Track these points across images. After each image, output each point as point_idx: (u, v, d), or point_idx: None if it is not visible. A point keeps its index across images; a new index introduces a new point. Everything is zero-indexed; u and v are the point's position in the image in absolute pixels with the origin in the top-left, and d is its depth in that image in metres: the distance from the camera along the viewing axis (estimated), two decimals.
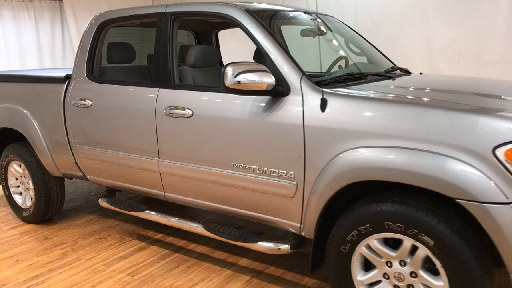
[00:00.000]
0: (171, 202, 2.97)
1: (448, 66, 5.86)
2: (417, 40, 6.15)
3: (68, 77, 3.39)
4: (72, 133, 3.32)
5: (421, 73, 3.19)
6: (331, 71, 2.84)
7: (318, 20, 3.15)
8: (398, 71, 3.06)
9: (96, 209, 4.28)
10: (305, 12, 3.15)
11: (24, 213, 3.92)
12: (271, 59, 2.33)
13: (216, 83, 3.27)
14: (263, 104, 2.32)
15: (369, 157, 1.93)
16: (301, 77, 2.26)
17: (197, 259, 3.13)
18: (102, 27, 3.25)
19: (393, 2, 6.01)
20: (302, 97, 2.21)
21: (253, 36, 2.42)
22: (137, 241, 3.50)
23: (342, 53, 3.19)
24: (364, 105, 2.03)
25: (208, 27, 4.35)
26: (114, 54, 3.40)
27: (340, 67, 3.03)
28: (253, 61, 3.81)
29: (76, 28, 7.61)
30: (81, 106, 3.20)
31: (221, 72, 2.20)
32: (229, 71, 2.18)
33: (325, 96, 2.13)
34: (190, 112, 2.59)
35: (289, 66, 2.29)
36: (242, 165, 2.41)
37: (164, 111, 2.71)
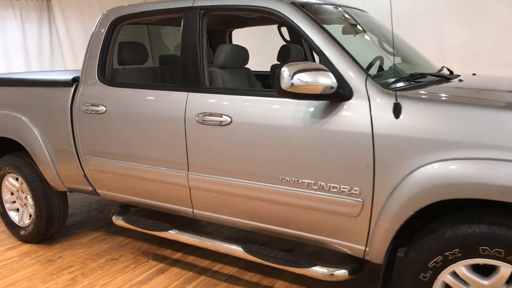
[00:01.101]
0: (184, 217, 2.66)
1: (462, 67, 5.70)
2: (429, 41, 5.97)
3: (75, 80, 3.03)
4: (81, 142, 2.95)
5: (474, 74, 2.95)
6: (376, 72, 2.57)
7: (356, 16, 2.87)
8: (446, 72, 2.81)
9: (100, 225, 3.91)
10: (341, 6, 2.87)
11: (22, 232, 3.52)
12: (327, 59, 2.04)
13: (245, 85, 2.96)
14: (320, 110, 2.02)
15: (466, 171, 1.65)
16: (366, 79, 1.97)
17: (228, 283, 2.80)
18: (115, 24, 2.90)
19: (403, 1, 5.82)
20: (369, 101, 1.92)
21: (304, 32, 2.13)
22: (154, 262, 3.14)
23: (380, 52, 2.93)
24: (451, 110, 1.75)
25: (222, 25, 4.03)
26: (126, 54, 3.05)
27: (381, 68, 2.77)
28: (277, 62, 3.52)
29: (65, 28, 7.18)
30: (93, 112, 2.84)
31: (277, 75, 1.90)
32: (286, 72, 1.88)
33: (399, 100, 1.85)
34: (228, 119, 2.27)
35: (351, 66, 2.01)
36: (294, 179, 2.11)
37: (196, 118, 2.39)
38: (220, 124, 2.30)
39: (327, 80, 1.90)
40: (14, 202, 3.61)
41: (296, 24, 2.15)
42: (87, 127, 2.89)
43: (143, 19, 2.94)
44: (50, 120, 3.10)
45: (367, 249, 2.01)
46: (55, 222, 3.45)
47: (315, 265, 2.16)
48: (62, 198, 3.45)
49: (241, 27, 4.10)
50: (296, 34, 3.71)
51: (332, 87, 1.92)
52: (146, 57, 3.24)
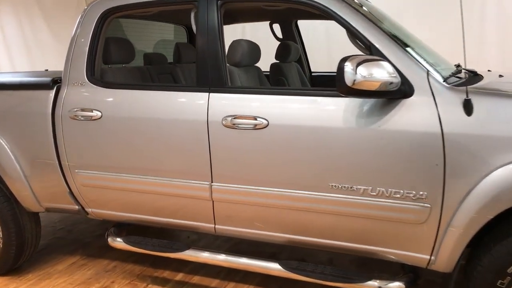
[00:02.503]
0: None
1: None
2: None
3: (56, 81, 2.58)
4: (68, 154, 2.52)
5: (489, 71, 2.95)
6: None
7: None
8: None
9: (74, 248, 3.42)
10: None
11: None
12: (383, 55, 1.87)
13: (256, 83, 2.71)
14: (376, 109, 1.85)
15: None
16: (427, 74, 1.83)
17: None
18: (106, 17, 2.52)
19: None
20: (434, 98, 1.78)
21: (352, 26, 1.94)
22: (155, 286, 2.78)
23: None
24: None
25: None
26: (113, 51, 2.67)
27: None
28: (276, 60, 3.31)
29: None
30: (84, 118, 2.43)
31: (339, 69, 1.69)
32: (349, 66, 1.68)
33: (469, 96, 1.73)
34: (264, 121, 2.02)
35: (410, 61, 1.86)
36: (346, 186, 1.91)
37: (223, 122, 2.11)
38: (255, 127, 2.04)
39: (393, 77, 1.73)
40: None
41: (341, 17, 1.96)
42: (76, 136, 2.47)
43: (138, 12, 2.59)
44: (23, 129, 2.62)
45: (432, 258, 1.87)
46: (26, 249, 2.94)
47: (369, 279, 1.98)
48: (34, 219, 2.95)
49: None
50: (290, 32, 3.53)
51: (396, 84, 1.75)
52: (133, 55, 2.88)
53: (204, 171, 2.19)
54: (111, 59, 2.66)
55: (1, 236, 2.84)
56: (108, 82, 2.48)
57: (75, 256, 3.26)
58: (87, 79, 2.48)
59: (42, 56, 6.88)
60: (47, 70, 5.06)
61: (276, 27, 3.55)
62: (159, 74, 3.23)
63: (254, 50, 2.61)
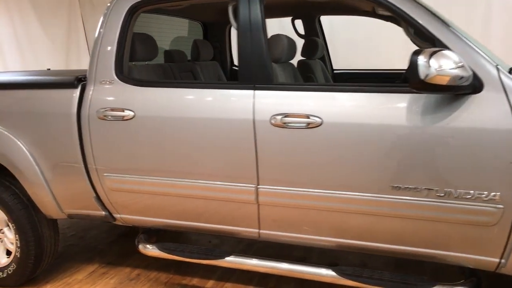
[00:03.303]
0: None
1: None
2: (396, 40, 6.04)
3: (80, 80, 2.42)
4: (96, 157, 2.36)
5: None
6: None
7: None
8: None
9: (90, 255, 3.25)
10: None
11: None
12: (450, 50, 1.77)
13: (292, 80, 2.59)
14: (441, 105, 1.76)
15: None
16: (497, 69, 1.74)
17: None
18: (134, 12, 2.37)
19: None
20: (506, 94, 1.70)
21: (414, 20, 1.84)
22: None
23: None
24: None
25: (222, 18, 3.59)
26: (139, 48, 2.52)
27: None
28: (302, 57, 3.20)
29: None
30: (115, 119, 2.28)
31: (412, 63, 1.59)
32: (422, 59, 1.58)
33: None
34: (318, 120, 1.91)
35: (478, 55, 1.77)
36: (410, 187, 1.82)
37: (272, 121, 1.99)
38: (307, 126, 1.93)
39: (465, 71, 1.64)
40: None
41: (402, 10, 1.86)
42: (105, 137, 2.31)
43: (169, 6, 2.44)
44: (43, 131, 2.45)
45: (502, 261, 1.78)
46: (45, 258, 2.76)
47: (434, 285, 1.89)
48: (53, 227, 2.78)
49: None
50: (313, 28, 3.43)
51: (467, 78, 1.66)
52: (157, 51, 2.73)
53: (249, 173, 2.07)
54: (136, 56, 2.52)
55: (18, 245, 2.66)
56: (140, 80, 2.33)
57: (93, 264, 3.10)
58: (116, 77, 2.33)
59: (34, 55, 6.69)
60: (49, 69, 4.86)
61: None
62: (180, 72, 3.09)
63: (292, 46, 2.49)
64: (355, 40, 5.66)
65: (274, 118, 1.98)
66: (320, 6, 3.04)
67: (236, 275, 2.81)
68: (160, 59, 3.24)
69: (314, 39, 3.17)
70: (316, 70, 3.07)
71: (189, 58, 3.34)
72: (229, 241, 3.37)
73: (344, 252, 3.00)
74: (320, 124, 1.91)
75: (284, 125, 1.96)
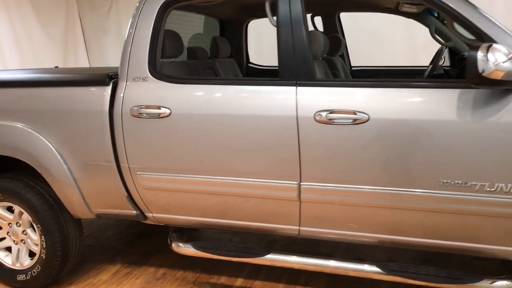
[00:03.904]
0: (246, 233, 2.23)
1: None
2: (400, 38, 6.10)
3: (112, 77, 2.38)
4: (129, 155, 2.32)
5: None
6: None
7: None
8: None
9: (110, 255, 3.20)
10: None
11: (21, 277, 2.71)
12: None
13: (324, 77, 2.57)
14: (493, 100, 1.77)
15: None
16: None
17: None
18: (166, 8, 2.33)
19: None
20: None
21: (460, 14, 1.85)
22: None
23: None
24: None
25: (241, 15, 3.58)
26: (169, 45, 2.49)
27: None
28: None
29: None
30: (150, 116, 2.24)
31: (470, 57, 1.60)
32: (481, 55, 1.59)
33: None
34: (365, 116, 1.91)
35: None
36: (459, 182, 1.83)
37: (316, 117, 1.98)
38: (354, 122, 1.92)
39: None
40: (2, 239, 2.77)
41: (447, 5, 1.86)
42: (139, 135, 2.28)
43: (200, 2, 2.41)
44: (72, 129, 2.40)
45: None
46: (70, 259, 2.71)
47: (481, 279, 1.90)
48: (78, 227, 2.73)
49: (258, 17, 3.65)
50: (332, 25, 3.43)
51: None
52: (183, 48, 2.70)
53: (291, 170, 2.06)
54: (166, 53, 2.48)
55: (44, 246, 2.60)
56: (177, 76, 2.30)
57: (115, 265, 3.05)
58: (150, 74, 2.29)
59: (33, 53, 6.60)
60: (57, 67, 4.78)
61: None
62: (205, 69, 3.06)
63: (327, 42, 2.49)
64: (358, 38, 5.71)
65: (319, 114, 1.97)
66: (345, 2, 3.04)
67: (264, 273, 2.80)
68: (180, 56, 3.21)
69: (337, 36, 3.17)
70: (338, 67, 3.07)
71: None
72: (249, 239, 3.35)
73: (370, 248, 3.02)
74: (367, 120, 1.91)
75: (329, 122, 1.96)
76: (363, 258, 2.92)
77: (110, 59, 7.63)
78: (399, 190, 1.91)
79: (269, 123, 2.06)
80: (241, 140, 2.11)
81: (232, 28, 3.64)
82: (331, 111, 1.96)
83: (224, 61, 3.44)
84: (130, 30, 2.35)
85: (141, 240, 3.43)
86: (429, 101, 1.85)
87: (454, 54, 3.21)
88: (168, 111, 2.21)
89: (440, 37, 3.12)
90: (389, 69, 3.52)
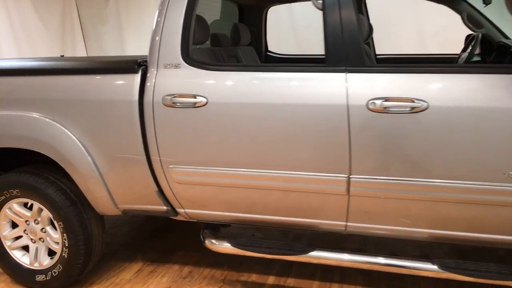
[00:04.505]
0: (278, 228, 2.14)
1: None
2: (409, 26, 5.99)
3: (140, 64, 2.22)
4: (161, 148, 2.17)
5: None
6: None
7: None
8: None
9: (130, 252, 3.05)
10: None
11: (40, 277, 2.55)
12: None
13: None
14: None
15: None
16: None
17: None
18: None
19: None
20: None
21: None
22: None
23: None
24: None
25: (261, 1, 3.43)
26: (199, 30, 2.34)
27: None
28: None
29: None
30: (185, 106, 2.09)
31: None
32: None
33: None
34: (424, 104, 1.79)
35: None
36: None
37: (370, 106, 1.85)
38: (412, 111, 1.80)
39: None
40: (19, 237, 2.61)
41: None
42: (173, 126, 2.13)
43: None
44: (97, 120, 2.24)
45: None
46: (93, 258, 2.57)
47: None
48: (101, 224, 2.58)
49: (276, 3, 3.49)
50: (360, 11, 3.28)
51: None
52: (209, 34, 2.55)
53: (340, 162, 1.93)
54: (195, 38, 2.33)
55: (66, 245, 2.45)
56: (212, 63, 2.15)
57: (137, 262, 2.91)
58: (184, 60, 2.14)
59: (30, 42, 6.39)
60: (62, 55, 4.58)
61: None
62: (229, 56, 2.92)
63: (370, 27, 2.36)
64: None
65: (373, 102, 1.84)
66: None
67: (295, 270, 2.69)
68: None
69: (369, 22, 3.04)
70: (369, 55, 2.94)
71: None
72: (272, 234, 3.23)
73: (400, 242, 2.92)
74: (426, 108, 1.78)
75: (384, 110, 1.83)
76: (395, 253, 2.82)
77: (109, 49, 7.42)
78: (459, 183, 1.80)
79: (317, 113, 1.92)
80: (286, 131, 1.97)
81: (252, 14, 3.49)
82: (386, 99, 1.83)
83: (244, 49, 3.29)
84: (159, 15, 2.19)
85: (159, 236, 3.29)
86: (493, 87, 1.74)
87: (485, 41, 3.10)
88: (204, 100, 2.07)
89: (472, 24, 3.01)
90: (415, 57, 3.40)
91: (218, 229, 2.41)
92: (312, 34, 5.99)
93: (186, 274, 2.72)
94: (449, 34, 5.75)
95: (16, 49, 6.22)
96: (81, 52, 7.37)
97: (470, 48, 2.36)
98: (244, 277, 2.65)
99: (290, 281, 2.58)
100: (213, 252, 2.32)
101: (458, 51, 5.47)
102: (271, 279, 2.61)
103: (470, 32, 3.07)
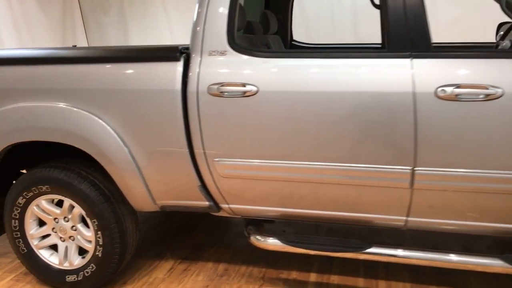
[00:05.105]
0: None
1: None
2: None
3: (182, 51, 2.08)
4: (206, 140, 2.04)
5: None
6: None
7: None
8: None
9: (156, 251, 2.92)
10: None
11: (71, 278, 2.42)
12: None
13: None
14: None
15: None
16: None
17: None
18: None
19: None
20: None
21: None
22: None
23: None
24: None
25: None
26: (240, 17, 2.20)
27: None
28: None
29: None
30: (233, 95, 1.96)
31: None
32: None
33: None
34: (499, 91, 1.68)
35: None
36: None
37: (439, 93, 1.74)
38: (486, 98, 1.69)
39: None
40: (47, 236, 2.47)
41: None
42: (220, 117, 2.00)
43: None
44: (138, 111, 2.10)
45: None
46: (127, 257, 2.44)
47: None
48: (135, 221, 2.45)
49: None
50: None
51: None
52: (245, 21, 2.41)
53: (404, 154, 1.82)
54: (238, 24, 2.19)
55: (100, 243, 2.32)
56: (263, 50, 2.02)
57: (167, 260, 2.79)
58: (230, 47, 2.01)
59: (31, 32, 6.21)
60: (75, 46, 4.40)
61: None
62: (261, 45, 2.78)
63: None
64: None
65: (442, 90, 1.73)
66: None
67: (336, 266, 2.58)
68: None
69: None
70: None
71: None
72: (304, 229, 3.13)
73: (439, 236, 2.83)
74: (501, 96, 1.68)
75: (455, 98, 1.72)
76: (436, 247, 2.72)
77: (111, 40, 7.23)
78: None
79: (379, 101, 1.81)
80: (343, 120, 1.86)
81: (278, 2, 3.35)
82: (458, 86, 1.72)
83: (272, 38, 3.15)
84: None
85: (184, 233, 3.17)
86: None
87: None
88: (255, 88, 1.94)
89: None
90: (463, 45, 3.30)
91: (262, 225, 2.29)
92: (323, 23, 5.85)
93: (222, 272, 2.61)
94: (463, 24, 5.67)
95: (17, 39, 6.03)
96: (81, 43, 7.18)
97: None
98: (284, 274, 2.55)
99: (334, 278, 2.48)
100: (246, 248, 2.21)
101: (473, 40, 5.34)
102: (313, 277, 2.51)
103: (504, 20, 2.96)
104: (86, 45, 7.14)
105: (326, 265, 2.60)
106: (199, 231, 3.18)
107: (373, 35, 4.88)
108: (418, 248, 1.99)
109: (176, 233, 3.20)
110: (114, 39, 7.22)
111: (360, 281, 2.43)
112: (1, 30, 5.87)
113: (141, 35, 7.07)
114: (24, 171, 2.60)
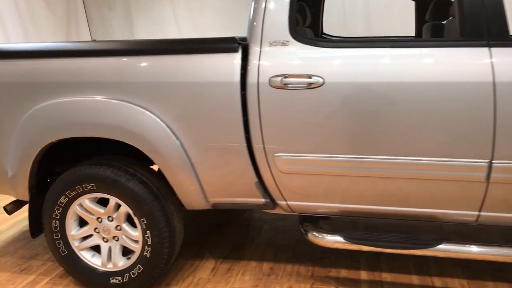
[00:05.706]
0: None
1: None
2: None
3: (239, 42, 2.00)
4: (266, 134, 1.96)
5: None
6: None
7: None
8: None
9: (195, 248, 2.84)
10: None
11: (116, 280, 2.33)
12: None
13: None
14: None
15: None
16: None
17: None
18: None
19: None
20: None
21: None
22: None
23: None
24: None
25: None
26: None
27: None
28: None
29: None
30: (298, 87, 1.88)
31: None
32: None
33: None
34: None
35: None
36: None
37: None
38: None
39: None
40: (89, 236, 2.37)
41: None
42: (282, 110, 1.92)
43: None
44: (192, 105, 2.01)
45: None
46: (173, 257, 2.35)
47: None
48: (182, 219, 2.36)
49: None
50: None
51: None
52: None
53: (481, 147, 1.76)
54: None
55: (149, 243, 2.23)
56: (327, 40, 1.94)
57: (208, 260, 2.70)
58: (292, 37, 1.92)
59: (35, 27, 6.08)
60: (95, 40, 4.27)
61: None
62: None
63: None
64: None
65: None
66: None
67: (385, 263, 2.53)
68: None
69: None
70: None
71: None
72: (343, 225, 3.07)
73: (479, 230, 2.80)
74: None
75: None
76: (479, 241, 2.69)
77: (116, 36, 7.09)
78: None
79: (454, 92, 1.74)
80: (416, 112, 1.79)
81: None
82: None
83: (306, 30, 3.08)
84: None
85: (218, 232, 3.08)
86: None
87: None
88: (320, 80, 1.86)
89: None
90: None
91: (317, 222, 2.22)
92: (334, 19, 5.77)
93: (268, 271, 2.53)
94: None
95: (23, 34, 5.89)
96: (85, 38, 7.03)
97: None
98: (333, 272, 2.48)
99: (386, 276, 2.41)
100: (287, 246, 2.14)
101: None
102: (363, 274, 2.44)
103: None
104: (89, 39, 7.00)
105: (374, 263, 2.54)
106: (232, 229, 3.10)
107: (385, 30, 4.84)
108: (489, 243, 1.93)
109: (209, 231, 3.12)
110: (119, 34, 7.08)
111: (414, 278, 2.37)
112: (7, 26, 5.72)
113: (146, 30, 6.94)
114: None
